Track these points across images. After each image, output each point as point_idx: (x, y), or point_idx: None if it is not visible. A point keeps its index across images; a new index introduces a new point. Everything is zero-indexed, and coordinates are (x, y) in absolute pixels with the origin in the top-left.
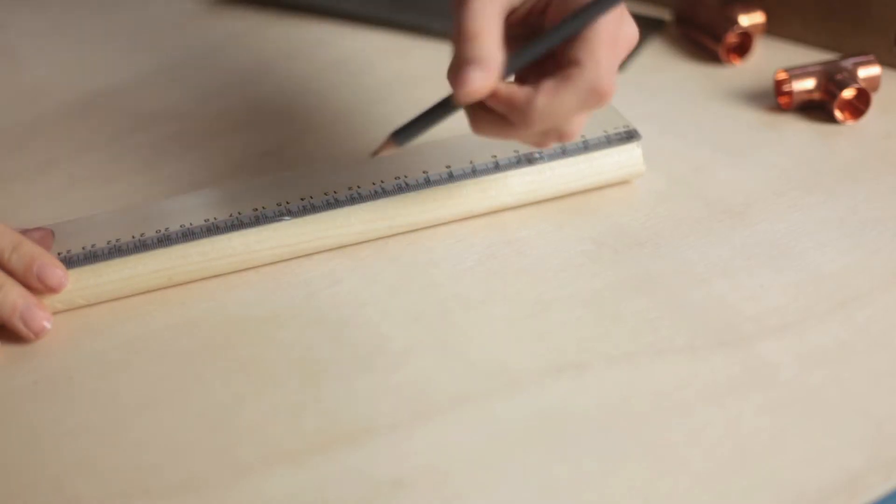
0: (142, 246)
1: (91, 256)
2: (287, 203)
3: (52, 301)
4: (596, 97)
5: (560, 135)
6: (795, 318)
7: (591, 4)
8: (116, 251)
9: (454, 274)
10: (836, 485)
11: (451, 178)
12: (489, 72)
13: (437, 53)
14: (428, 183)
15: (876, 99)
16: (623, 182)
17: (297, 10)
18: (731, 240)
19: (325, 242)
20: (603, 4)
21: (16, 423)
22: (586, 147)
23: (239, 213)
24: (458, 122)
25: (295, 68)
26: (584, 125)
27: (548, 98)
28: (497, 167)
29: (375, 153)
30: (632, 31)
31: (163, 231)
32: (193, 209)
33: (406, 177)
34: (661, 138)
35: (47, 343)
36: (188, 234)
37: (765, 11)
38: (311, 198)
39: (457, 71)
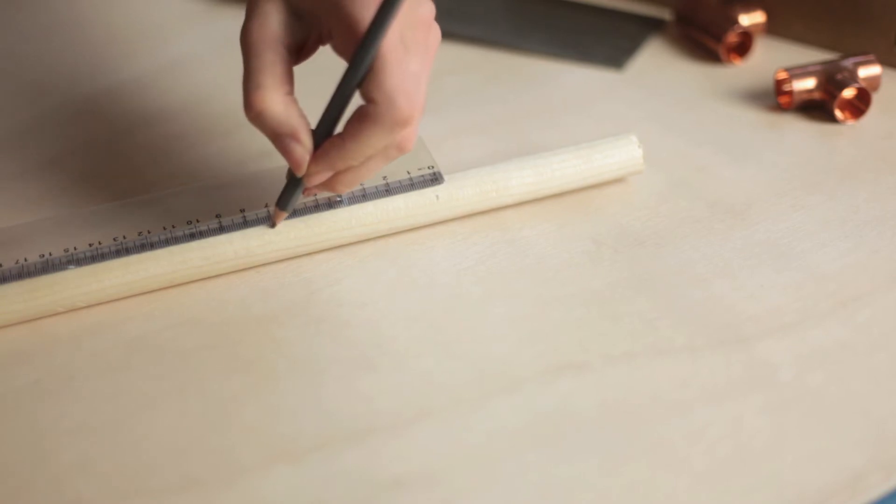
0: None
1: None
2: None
3: (52, 303)
4: (399, 127)
5: (398, 148)
6: (796, 318)
7: (367, 34)
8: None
9: (454, 274)
10: (837, 485)
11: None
12: (305, 143)
13: (437, 53)
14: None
15: (876, 99)
16: (620, 178)
17: None
18: (732, 240)
19: (326, 243)
20: (378, 31)
21: (16, 423)
22: (388, 190)
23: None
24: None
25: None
26: (413, 136)
27: (354, 141)
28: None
29: (273, 225)
30: (427, 8)
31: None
32: (195, 209)
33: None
34: (661, 138)
35: (48, 343)
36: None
37: (765, 11)
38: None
39: (285, 152)
